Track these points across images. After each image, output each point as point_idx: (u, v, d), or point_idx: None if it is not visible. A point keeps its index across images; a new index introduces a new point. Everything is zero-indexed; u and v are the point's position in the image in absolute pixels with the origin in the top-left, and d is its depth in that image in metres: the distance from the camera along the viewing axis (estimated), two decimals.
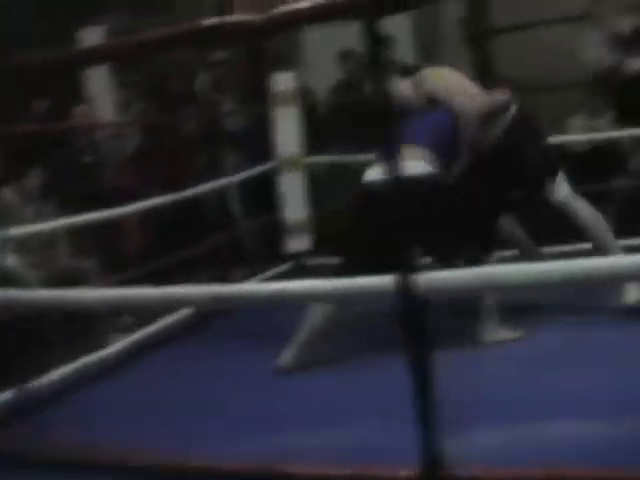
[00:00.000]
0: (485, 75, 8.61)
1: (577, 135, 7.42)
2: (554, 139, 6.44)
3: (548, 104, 8.09)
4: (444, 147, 4.88)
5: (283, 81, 7.06)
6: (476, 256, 4.65)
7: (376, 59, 2.35)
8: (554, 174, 5.12)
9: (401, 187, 4.57)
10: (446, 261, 4.66)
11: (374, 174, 4.78)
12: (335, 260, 6.27)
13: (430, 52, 9.03)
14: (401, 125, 4.89)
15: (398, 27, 8.24)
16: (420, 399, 2.27)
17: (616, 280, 2.27)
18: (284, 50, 8.92)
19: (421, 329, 2.30)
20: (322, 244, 7.30)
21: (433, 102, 5.08)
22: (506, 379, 4.04)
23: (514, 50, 8.55)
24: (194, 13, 7.95)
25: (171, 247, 6.55)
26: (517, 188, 5.24)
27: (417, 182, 4.63)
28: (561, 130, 7.42)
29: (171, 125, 8.17)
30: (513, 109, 5.20)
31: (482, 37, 8.72)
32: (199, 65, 8.47)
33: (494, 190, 5.10)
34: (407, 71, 5.42)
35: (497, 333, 4.68)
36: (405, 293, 2.24)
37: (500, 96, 5.25)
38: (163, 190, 6.27)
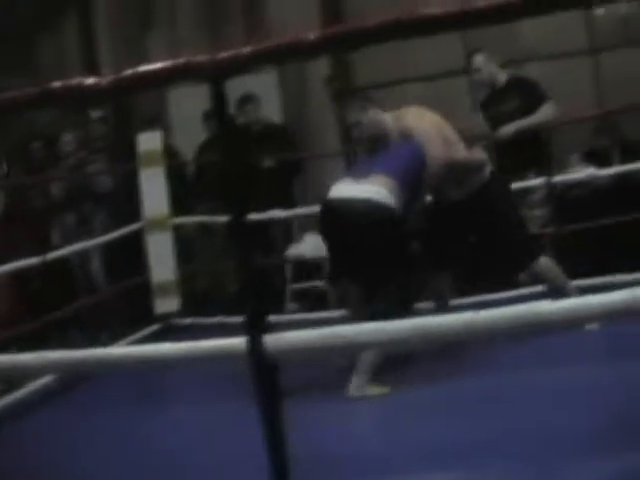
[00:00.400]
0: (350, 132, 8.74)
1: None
2: None
3: None
4: (411, 184, 4.96)
5: (149, 141, 7.02)
6: (394, 302, 4.70)
7: (223, 122, 2.34)
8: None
9: (355, 208, 4.78)
10: (368, 293, 4.76)
11: (338, 191, 4.92)
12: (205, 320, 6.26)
13: (299, 109, 9.10)
14: (376, 154, 5.15)
15: (264, 85, 8.31)
16: (272, 457, 2.25)
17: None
18: (152, 109, 8.89)
19: (272, 390, 2.29)
20: (192, 304, 7.25)
21: (408, 138, 5.14)
22: (363, 435, 4.05)
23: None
24: (58, 74, 7.90)
25: (40, 310, 6.43)
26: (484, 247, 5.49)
27: (374, 207, 4.77)
28: None
29: (36, 187, 8.04)
30: (488, 170, 5.34)
31: (347, 95, 8.83)
32: (68, 124, 8.38)
33: (445, 243, 5.29)
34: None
35: (364, 388, 4.69)
36: (256, 355, 2.23)
37: (477, 154, 5.39)
38: (29, 254, 6.15)
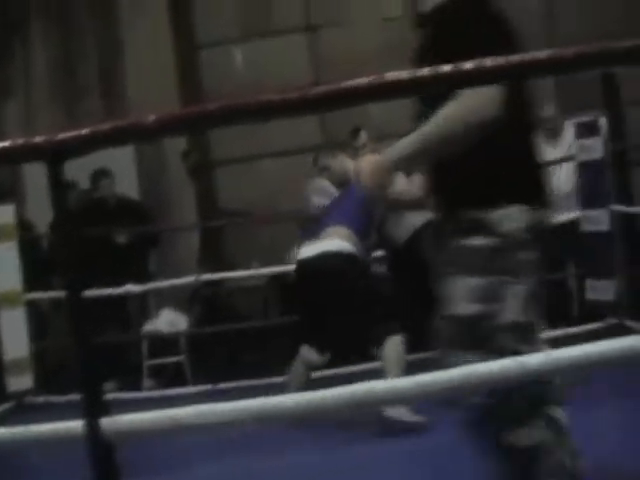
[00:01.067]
0: (207, 205, 8.78)
1: None
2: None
3: (269, 235, 8.32)
4: (362, 226, 5.22)
5: (0, 214, 6.89)
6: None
7: (59, 204, 2.33)
8: None
9: (325, 263, 4.96)
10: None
11: (304, 251, 5.19)
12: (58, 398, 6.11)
13: (156, 184, 9.08)
14: (331, 204, 5.49)
15: (121, 159, 8.27)
16: None
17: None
18: (7, 181, 8.75)
19: (109, 473, 2.27)
20: (45, 381, 7.10)
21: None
22: None
23: (235, 182, 8.75)
24: None
25: None
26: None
27: (343, 259, 5.00)
28: (282, 261, 7.60)
29: None
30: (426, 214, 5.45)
31: (203, 169, 8.88)
32: None
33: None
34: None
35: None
36: (92, 439, 2.21)
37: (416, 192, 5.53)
38: None
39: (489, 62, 2.11)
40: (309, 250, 5.17)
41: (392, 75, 2.08)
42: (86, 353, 2.30)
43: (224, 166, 8.97)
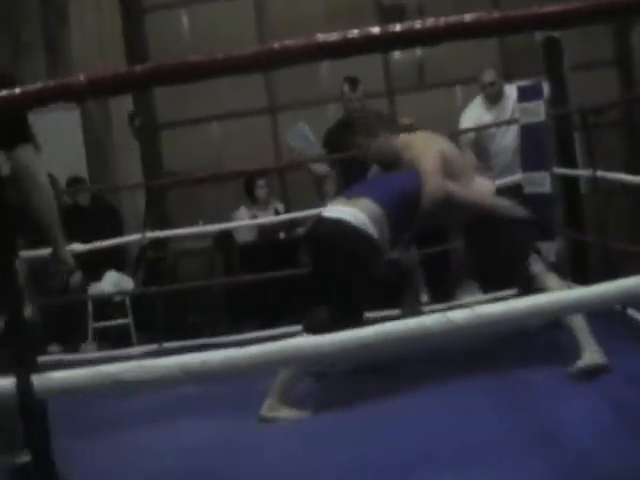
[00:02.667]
0: (153, 167, 8.78)
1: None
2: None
3: (215, 197, 8.37)
4: (397, 213, 4.86)
5: None
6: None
7: None
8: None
9: (330, 229, 4.73)
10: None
11: (327, 210, 4.96)
12: None
13: (102, 145, 9.03)
14: (368, 179, 5.26)
15: (67, 120, 8.24)
16: None
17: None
18: None
19: (42, 430, 2.31)
20: None
21: (411, 169, 5.03)
22: None
23: (181, 144, 8.75)
24: None
25: None
26: None
27: (348, 230, 4.71)
28: (227, 220, 7.67)
29: None
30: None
31: (150, 131, 8.86)
32: None
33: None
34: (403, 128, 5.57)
35: (277, 410, 4.62)
36: (23, 395, 2.24)
37: (484, 184, 5.35)
38: None
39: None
40: (328, 210, 4.94)
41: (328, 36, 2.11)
42: (14, 311, 2.33)
43: (170, 128, 8.96)
